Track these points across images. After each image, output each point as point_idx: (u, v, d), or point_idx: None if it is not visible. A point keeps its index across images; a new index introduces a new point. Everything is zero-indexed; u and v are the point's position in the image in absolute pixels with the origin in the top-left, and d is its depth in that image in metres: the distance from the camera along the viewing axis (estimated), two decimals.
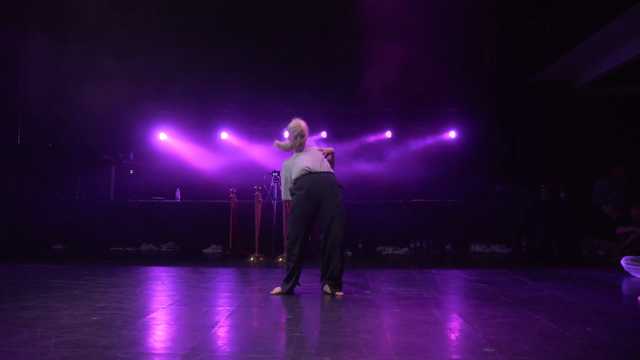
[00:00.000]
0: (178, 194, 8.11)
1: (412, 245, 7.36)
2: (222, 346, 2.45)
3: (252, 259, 6.39)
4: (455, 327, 2.84)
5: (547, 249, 7.39)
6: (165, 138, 10.12)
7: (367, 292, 4.02)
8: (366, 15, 9.37)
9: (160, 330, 2.79)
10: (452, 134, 10.22)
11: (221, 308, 3.42)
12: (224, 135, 10.32)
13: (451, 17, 9.12)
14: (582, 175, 8.06)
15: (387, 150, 10.18)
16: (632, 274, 4.99)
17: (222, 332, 2.73)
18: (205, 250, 7.40)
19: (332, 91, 10.15)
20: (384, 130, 10.51)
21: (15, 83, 8.63)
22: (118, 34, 8.50)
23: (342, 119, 10.76)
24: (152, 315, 3.14)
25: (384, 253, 7.26)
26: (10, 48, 8.45)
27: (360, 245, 7.29)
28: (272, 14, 9.22)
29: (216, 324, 2.91)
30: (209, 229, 7.55)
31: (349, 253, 7.05)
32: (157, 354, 2.30)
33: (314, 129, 10.70)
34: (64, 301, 3.54)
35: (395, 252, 7.23)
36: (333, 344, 2.47)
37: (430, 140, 10.38)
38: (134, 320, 2.95)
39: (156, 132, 10.09)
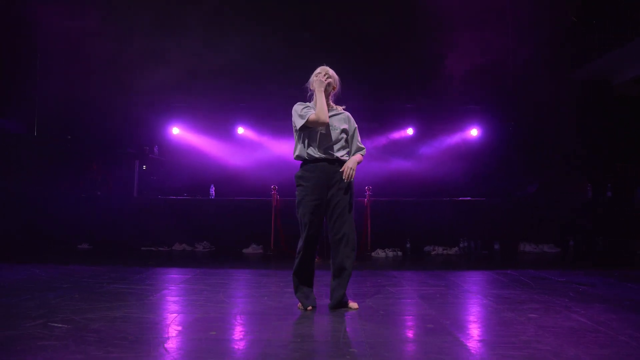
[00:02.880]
0: (212, 190, 7.65)
1: (461, 245, 7.07)
2: None
3: None
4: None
5: (595, 249, 7.21)
6: (188, 133, 9.61)
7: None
8: (392, 8, 9.08)
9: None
10: (473, 132, 9.97)
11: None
12: (240, 130, 9.84)
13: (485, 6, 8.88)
14: (628, 175, 7.90)
15: (419, 147, 9.90)
16: None
17: None
18: (245, 250, 6.97)
19: (356, 85, 9.76)
20: (407, 126, 10.23)
21: (32, 71, 8.04)
22: (143, 19, 7.98)
23: (367, 114, 10.40)
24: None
25: (433, 253, 6.96)
26: (26, 34, 7.87)
27: (408, 245, 6.96)
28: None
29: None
30: (248, 228, 7.12)
31: (399, 253, 6.73)
32: None
33: None
34: (152, 312, 3.11)
35: (445, 251, 6.93)
36: None
37: (458, 138, 10.13)
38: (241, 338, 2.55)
39: (177, 126, 9.58)
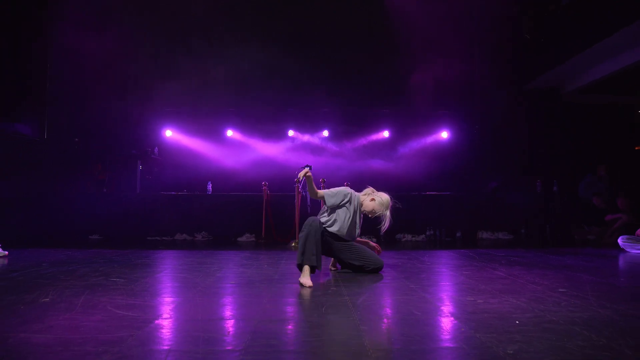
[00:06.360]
0: (210, 186, 8.59)
1: (427, 233, 8.16)
2: None
3: (293, 244, 7.00)
4: (531, 282, 3.61)
5: (543, 235, 8.39)
6: (184, 135, 10.53)
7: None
8: (372, 29, 10.17)
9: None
10: (444, 134, 11.16)
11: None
12: (229, 132, 10.83)
13: (451, 27, 10.04)
14: (571, 172, 9.15)
15: (395, 148, 11.03)
16: (627, 250, 5.97)
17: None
18: (239, 239, 7.94)
19: (336, 92, 10.81)
20: (383, 129, 11.35)
21: (42, 78, 8.84)
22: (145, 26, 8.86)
23: (348, 118, 11.44)
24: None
25: (403, 239, 8.03)
26: (37, 40, 8.65)
27: (382, 233, 7.99)
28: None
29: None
30: (242, 220, 8.08)
31: (374, 239, 7.78)
32: None
33: (316, 127, 11.45)
34: (182, 274, 4.07)
35: (414, 238, 8.01)
36: None
37: (431, 140, 11.31)
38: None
39: (174, 130, 10.48)
